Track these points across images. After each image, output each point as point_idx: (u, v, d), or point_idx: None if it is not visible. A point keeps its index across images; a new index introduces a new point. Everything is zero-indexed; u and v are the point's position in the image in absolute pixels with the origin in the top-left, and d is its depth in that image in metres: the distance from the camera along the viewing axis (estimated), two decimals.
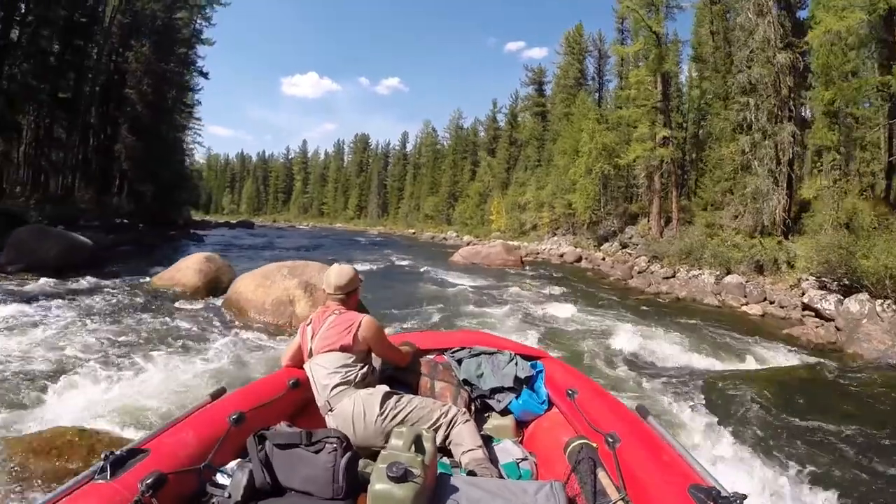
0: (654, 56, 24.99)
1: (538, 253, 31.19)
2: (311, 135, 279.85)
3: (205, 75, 42.28)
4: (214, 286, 10.27)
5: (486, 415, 2.94)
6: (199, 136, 64.28)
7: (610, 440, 1.96)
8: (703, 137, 28.17)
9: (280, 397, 2.49)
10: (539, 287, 15.97)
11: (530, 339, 8.34)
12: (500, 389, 2.92)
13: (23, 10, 22.73)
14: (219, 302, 9.41)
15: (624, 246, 26.77)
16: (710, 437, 4.87)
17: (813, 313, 11.45)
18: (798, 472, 4.22)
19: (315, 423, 2.41)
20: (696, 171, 28.36)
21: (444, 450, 2.38)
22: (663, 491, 1.62)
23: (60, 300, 9.03)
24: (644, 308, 12.86)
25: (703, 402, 5.79)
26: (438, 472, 1.94)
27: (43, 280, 10.59)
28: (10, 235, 12.48)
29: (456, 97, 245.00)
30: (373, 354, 2.77)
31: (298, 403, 2.65)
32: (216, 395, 2.34)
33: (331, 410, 2.46)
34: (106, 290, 10.38)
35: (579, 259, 26.99)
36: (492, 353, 3.14)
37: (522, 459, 2.44)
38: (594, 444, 2.08)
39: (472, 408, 2.91)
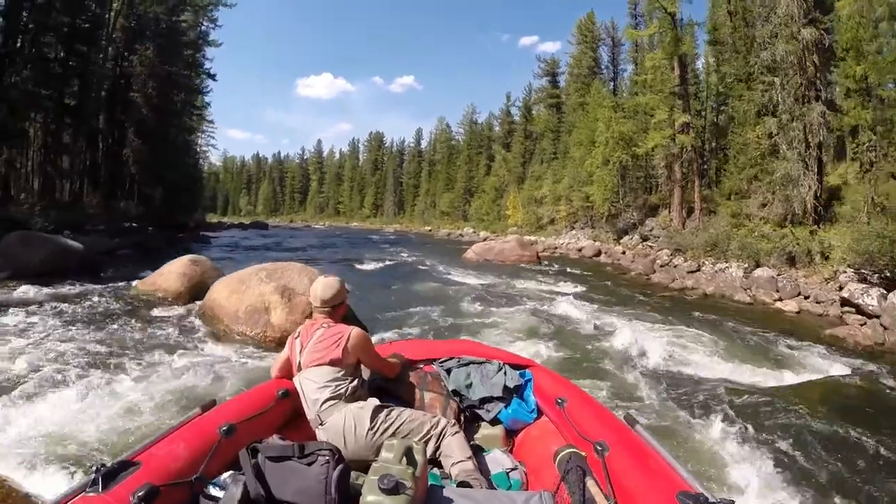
0: (671, 38, 23.86)
1: (556, 248, 30.47)
2: (327, 135, 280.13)
3: (212, 77, 42.16)
4: (198, 290, 9.49)
5: (476, 424, 2.92)
6: (213, 138, 64.45)
7: (599, 448, 1.99)
8: (724, 124, 26.82)
9: (270, 409, 2.48)
10: (554, 284, 15.10)
11: (540, 345, 7.66)
12: (490, 399, 2.93)
13: (24, 18, 22.42)
14: (198, 308, 8.76)
15: (644, 239, 25.66)
16: (747, 467, 4.07)
17: (853, 309, 10.46)
18: None
19: (305, 434, 2.46)
20: (716, 160, 27.11)
21: (434, 461, 2.39)
22: (652, 498, 1.64)
23: (34, 307, 8.54)
24: (669, 306, 11.91)
25: (738, 420, 4.93)
26: (429, 483, 1.97)
27: (24, 287, 10.06)
28: None
29: (471, 94, 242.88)
30: (362, 366, 2.77)
31: (288, 414, 2.64)
32: (206, 407, 2.31)
33: (321, 424, 2.45)
34: (85, 296, 9.77)
35: (598, 253, 26.06)
36: (480, 363, 3.15)
37: (512, 469, 2.45)
38: (583, 453, 2.11)
39: (462, 418, 2.89)
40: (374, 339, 3.18)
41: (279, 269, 7.91)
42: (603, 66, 44.35)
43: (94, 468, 1.64)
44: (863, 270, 11.87)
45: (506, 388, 2.94)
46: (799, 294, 12.71)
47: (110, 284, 11.09)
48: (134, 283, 10.82)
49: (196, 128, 46.22)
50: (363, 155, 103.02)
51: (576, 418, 2.36)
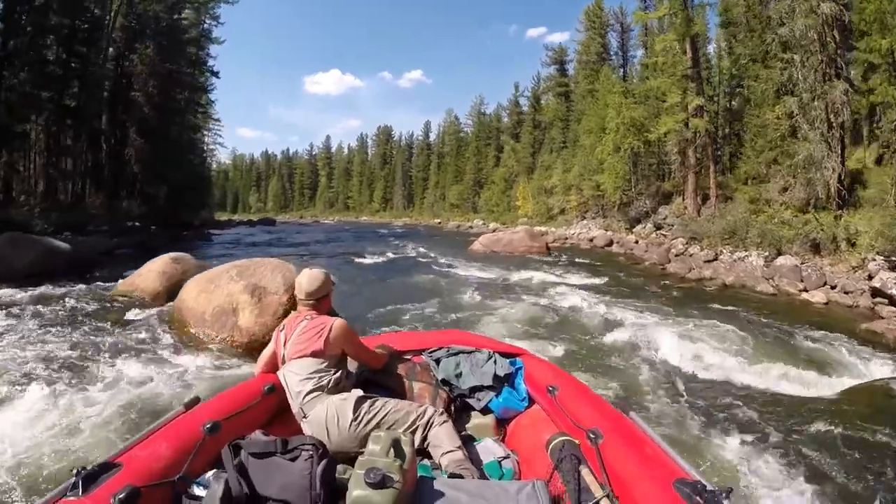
0: (682, 19, 22.90)
1: (566, 238, 29.83)
2: (336, 131, 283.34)
3: (215, 74, 41.95)
4: (177, 290, 8.83)
5: (466, 414, 2.89)
6: (220, 136, 64.27)
7: (592, 436, 1.94)
8: (739, 107, 25.87)
9: (255, 405, 2.44)
10: (563, 275, 14.42)
11: (544, 342, 7.20)
12: (480, 388, 2.89)
13: (22, 20, 22.27)
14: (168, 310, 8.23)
15: (658, 227, 24.80)
16: (775, 488, 3.59)
17: (886, 300, 9.79)
18: None
19: (291, 430, 2.40)
20: (729, 146, 26.31)
21: (423, 452, 2.35)
22: (648, 486, 1.60)
23: (4, 310, 8.15)
24: (686, 298, 11.21)
25: (764, 432, 4.38)
26: (418, 475, 1.94)
27: (4, 290, 9.79)
28: None
29: (479, 87, 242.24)
30: (349, 359, 2.75)
31: (274, 410, 2.60)
32: (190, 405, 2.25)
33: (305, 417, 2.43)
34: (61, 299, 9.29)
35: (610, 243, 25.31)
36: (470, 352, 3.11)
37: (504, 458, 2.42)
38: (576, 441, 2.09)
39: (452, 408, 2.86)
40: (362, 334, 3.08)
41: (251, 266, 7.21)
42: (612, 53, 43.22)
43: (74, 471, 1.60)
44: (894, 258, 11.09)
45: (496, 376, 2.90)
46: (825, 284, 11.94)
47: (94, 285, 10.68)
48: (120, 282, 10.33)
49: (201, 126, 46.03)
50: (371, 149, 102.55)
51: (568, 406, 2.32)
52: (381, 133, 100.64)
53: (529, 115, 56.28)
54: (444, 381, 2.95)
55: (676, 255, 18.00)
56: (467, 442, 2.54)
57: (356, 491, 1.61)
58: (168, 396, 5.00)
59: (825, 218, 14.33)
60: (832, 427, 4.39)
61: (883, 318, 8.93)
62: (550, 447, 2.18)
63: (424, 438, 2.39)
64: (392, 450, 1.79)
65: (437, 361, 3.09)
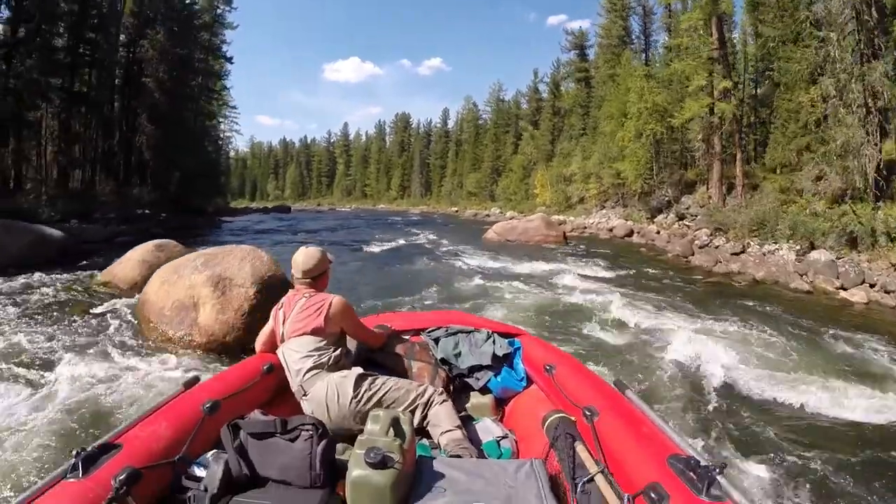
0: None
1: (585, 227, 29.03)
2: (355, 118, 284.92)
3: (229, 60, 41.62)
4: None
5: (465, 394, 2.90)
6: (236, 123, 64.13)
7: (588, 414, 1.97)
8: (768, 92, 24.57)
9: (254, 384, 2.43)
10: (580, 266, 13.66)
11: (557, 344, 6.36)
12: (479, 368, 2.90)
13: (28, 6, 22.09)
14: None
15: (681, 217, 23.72)
16: None
17: None
18: None
19: (291, 408, 2.44)
20: (754, 135, 25.18)
21: (422, 431, 2.37)
22: (642, 462, 1.62)
23: None
24: (714, 295, 10.39)
25: (804, 465, 3.82)
26: (417, 454, 1.94)
27: None
28: None
29: (499, 75, 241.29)
30: (348, 337, 2.73)
31: (273, 389, 2.58)
32: (189, 384, 2.25)
33: (305, 395, 2.42)
34: (39, 288, 9.04)
35: (630, 233, 24.39)
36: (469, 332, 3.09)
37: (503, 437, 2.43)
38: (572, 418, 2.11)
39: (451, 387, 2.87)
40: (360, 315, 2.93)
41: (218, 255, 6.52)
42: (634, 37, 41.76)
43: (73, 452, 1.58)
44: None
45: (495, 356, 2.91)
46: (863, 281, 10.97)
47: (78, 274, 10.43)
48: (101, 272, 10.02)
49: (216, 113, 45.78)
50: (389, 137, 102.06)
51: (565, 385, 2.34)
52: (398, 120, 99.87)
53: (549, 102, 54.96)
54: (443, 361, 2.94)
55: (701, 247, 17.03)
56: (466, 421, 2.53)
57: (356, 471, 1.62)
58: (110, 404, 4.47)
59: (863, 210, 13.30)
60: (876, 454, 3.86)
61: None
62: (546, 425, 2.17)
63: (424, 417, 2.38)
64: (392, 429, 1.79)
65: (436, 341, 3.06)
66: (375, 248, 18.68)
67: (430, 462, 1.87)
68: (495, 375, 2.87)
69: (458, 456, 2.14)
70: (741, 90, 26.46)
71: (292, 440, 1.79)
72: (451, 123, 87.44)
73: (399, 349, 2.95)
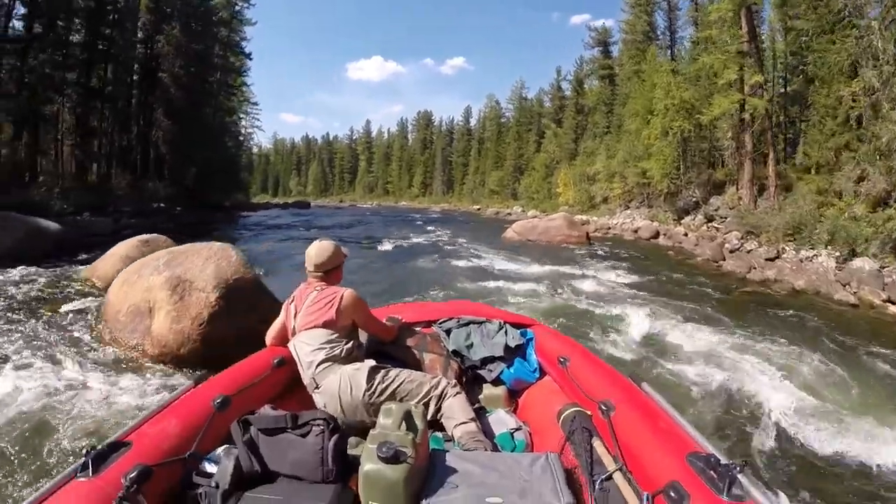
0: None
1: (608, 228, 27.99)
2: (379, 117, 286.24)
3: (248, 56, 41.59)
4: None
5: (478, 385, 2.87)
6: (258, 120, 64.14)
7: (604, 408, 1.94)
8: (801, 88, 23.24)
9: (265, 377, 2.41)
10: (604, 270, 12.83)
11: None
12: (491, 359, 2.87)
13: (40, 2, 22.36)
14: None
15: (709, 219, 22.52)
16: None
17: None
18: None
19: (302, 402, 2.43)
20: (784, 134, 24.02)
21: (435, 423, 2.35)
22: (661, 459, 1.59)
23: None
24: (750, 305, 9.47)
25: None
26: (431, 447, 1.93)
27: None
28: None
29: (522, 74, 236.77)
30: (359, 330, 2.71)
31: (284, 383, 2.57)
32: (199, 380, 2.24)
33: (317, 388, 2.41)
34: (20, 283, 8.60)
35: (656, 235, 23.27)
36: (480, 323, 3.07)
37: (516, 429, 2.42)
38: (588, 412, 2.09)
39: (464, 379, 2.84)
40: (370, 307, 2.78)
41: (182, 254, 5.77)
42: (659, 33, 40.36)
43: (84, 451, 1.58)
44: None
45: (507, 347, 2.88)
46: None
47: (67, 269, 10.12)
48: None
49: (236, 109, 45.69)
50: (412, 134, 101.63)
51: (579, 377, 2.31)
52: (421, 118, 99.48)
53: (572, 100, 53.92)
54: (455, 353, 2.92)
55: (731, 252, 15.96)
56: (479, 413, 2.50)
57: (368, 465, 1.60)
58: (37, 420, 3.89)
59: None
60: None
61: None
62: (562, 418, 2.16)
63: (438, 410, 2.36)
64: (404, 423, 1.76)
65: (448, 332, 3.03)
66: (388, 246, 18.14)
67: (444, 455, 1.86)
68: (508, 367, 2.84)
69: (473, 449, 2.13)
70: (771, 88, 25.13)
71: (304, 435, 1.78)
72: (473, 121, 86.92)
73: (411, 341, 2.92)
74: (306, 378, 2.46)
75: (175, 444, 1.78)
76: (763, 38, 26.80)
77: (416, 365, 2.79)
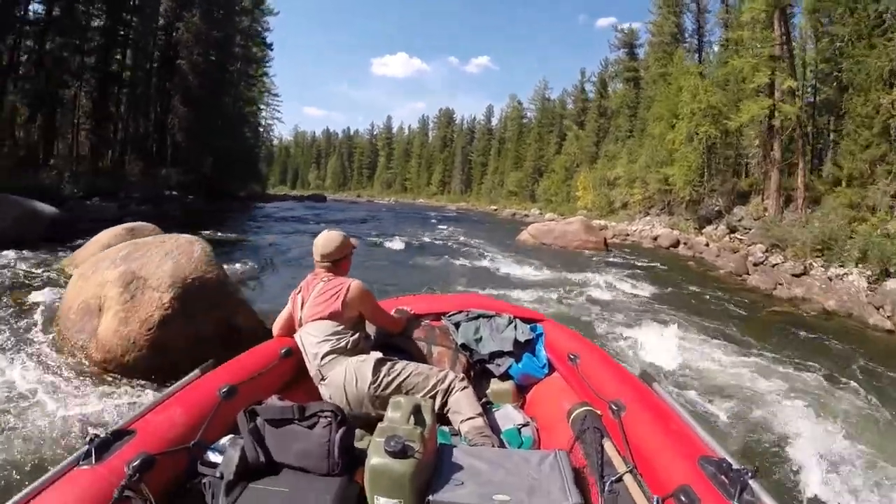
0: None
1: (627, 234, 27.05)
2: (402, 113, 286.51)
3: (269, 46, 41.39)
4: None
5: (486, 380, 2.85)
6: (278, 111, 64.02)
7: (615, 408, 1.91)
8: (834, 97, 22.20)
9: (272, 368, 2.40)
10: (621, 280, 12.06)
11: None
12: (500, 353, 2.84)
13: None
14: None
15: (732, 230, 21.60)
16: None
17: None
18: None
19: (308, 393, 2.44)
20: (812, 144, 22.99)
21: (441, 417, 2.31)
22: (671, 462, 1.57)
23: None
24: (780, 326, 8.75)
25: None
26: (438, 442, 1.91)
27: None
28: None
29: (547, 76, 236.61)
30: (367, 322, 2.68)
31: (291, 373, 2.54)
32: (205, 369, 2.21)
33: (323, 380, 2.42)
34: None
35: (676, 244, 22.33)
36: (490, 317, 3.04)
37: (524, 426, 2.39)
38: (598, 412, 2.07)
39: (472, 373, 2.81)
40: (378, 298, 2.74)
41: (148, 245, 5.17)
42: (686, 36, 39.29)
43: (87, 439, 1.57)
44: None
45: (516, 342, 2.84)
46: None
47: (53, 255, 9.61)
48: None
49: (256, 99, 45.49)
50: (432, 132, 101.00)
51: (589, 375, 2.28)
52: (442, 115, 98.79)
53: (595, 102, 53.00)
54: (464, 346, 2.88)
55: (755, 265, 15.13)
56: (486, 408, 2.48)
57: (375, 458, 1.59)
58: None
59: None
60: None
61: None
62: (572, 417, 2.14)
63: (444, 404, 2.34)
64: (412, 417, 1.75)
65: (457, 326, 2.99)
66: (397, 244, 17.52)
67: (451, 450, 1.84)
68: (516, 362, 2.80)
69: (480, 444, 2.12)
70: (800, 97, 24.13)
71: (310, 427, 1.74)
72: (494, 121, 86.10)
73: (419, 333, 2.89)
74: (312, 370, 2.44)
75: (180, 434, 1.76)
76: (794, 44, 25.88)
77: (424, 358, 2.76)
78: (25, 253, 9.47)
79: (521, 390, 2.79)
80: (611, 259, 16.80)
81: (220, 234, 16.80)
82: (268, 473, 1.72)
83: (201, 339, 4.46)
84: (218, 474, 1.67)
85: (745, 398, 5.13)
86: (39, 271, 8.23)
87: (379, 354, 2.44)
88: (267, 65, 44.83)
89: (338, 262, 2.63)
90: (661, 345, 6.63)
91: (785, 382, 5.69)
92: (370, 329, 2.75)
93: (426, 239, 20.13)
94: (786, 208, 20.13)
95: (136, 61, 28.36)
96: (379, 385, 2.30)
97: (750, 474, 1.37)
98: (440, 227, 28.52)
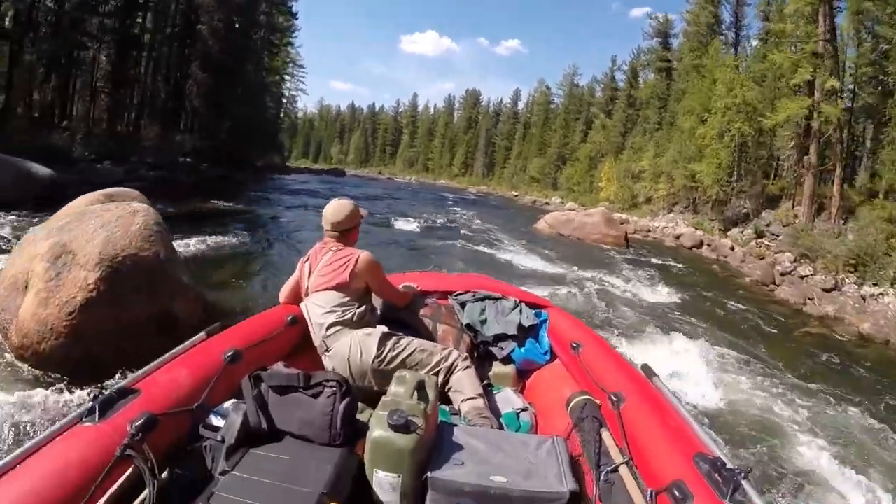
0: None
1: (648, 231, 26.06)
2: (430, 93, 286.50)
3: (293, 15, 40.78)
4: None
5: (488, 362, 2.84)
6: (302, 83, 63.47)
7: (614, 399, 1.93)
8: (877, 101, 20.93)
9: (277, 335, 2.41)
10: (641, 281, 11.34)
11: None
12: (504, 337, 2.83)
13: None
14: None
15: (759, 235, 20.54)
16: None
17: None
18: None
19: (313, 362, 2.42)
20: (847, 151, 21.69)
21: (442, 395, 2.27)
22: (667, 457, 1.58)
23: None
24: (812, 350, 7.97)
25: None
26: (439, 420, 1.94)
27: None
28: None
29: (576, 63, 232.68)
30: (373, 295, 2.67)
31: (296, 341, 2.56)
32: (212, 332, 2.21)
33: (327, 351, 2.40)
34: None
35: (700, 244, 21.25)
36: (496, 299, 3.04)
37: (522, 410, 2.40)
38: (597, 402, 2.07)
39: (475, 354, 2.80)
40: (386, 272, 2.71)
41: (88, 213, 4.46)
42: (724, 28, 37.58)
43: (91, 396, 1.64)
44: None
45: (521, 326, 2.84)
46: None
47: (34, 219, 8.96)
48: None
49: (280, 69, 44.95)
50: (458, 112, 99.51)
51: (591, 365, 2.29)
52: (468, 96, 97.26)
53: (624, 91, 51.61)
54: (469, 327, 2.88)
55: (783, 275, 14.22)
56: (486, 390, 2.49)
57: (378, 431, 1.60)
58: None
59: None
60: None
61: None
62: (571, 405, 2.15)
63: (446, 382, 2.34)
64: (416, 392, 1.77)
65: (463, 305, 3.00)
66: (408, 226, 16.93)
67: (451, 429, 1.86)
68: (519, 346, 2.81)
69: (479, 425, 2.12)
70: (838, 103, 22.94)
71: (315, 396, 1.72)
72: (521, 105, 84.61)
73: (425, 311, 2.87)
74: (317, 340, 2.43)
75: (184, 395, 1.77)
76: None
77: (429, 335, 2.74)
78: (10, 216, 9.20)
79: (522, 375, 2.78)
80: (630, 256, 15.99)
81: (225, 203, 16.38)
82: (269, 440, 1.70)
83: (129, 327, 3.85)
84: (219, 438, 1.67)
85: (766, 429, 4.61)
86: (14, 238, 7.79)
87: (384, 328, 2.45)
88: (293, 35, 44.40)
89: (347, 232, 2.59)
90: (678, 359, 5.98)
91: (813, 417, 5.08)
92: (376, 302, 2.73)
93: (441, 220, 19.70)
94: (817, 217, 19.13)
95: (157, 25, 28.03)
96: (383, 359, 2.29)
97: (743, 474, 1.37)
98: (457, 209, 28.01)
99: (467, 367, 2.38)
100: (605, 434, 1.85)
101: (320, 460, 1.61)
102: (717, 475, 1.41)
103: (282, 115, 52.64)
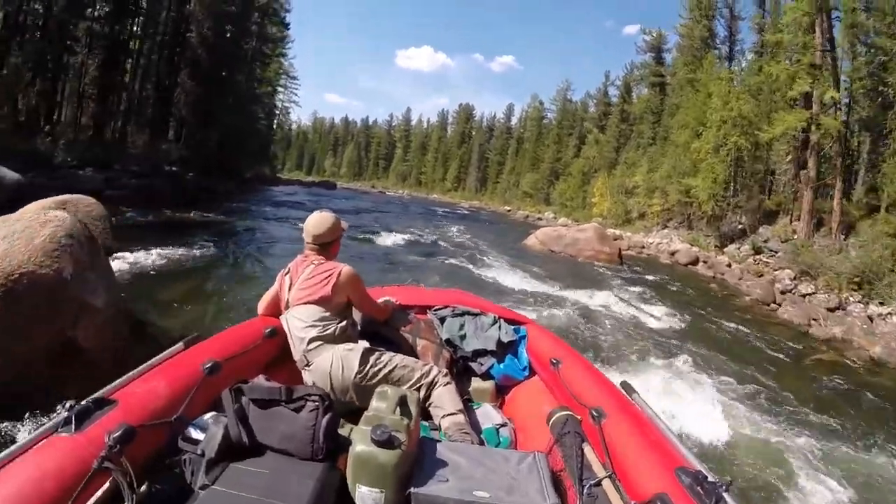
0: None
1: (642, 247, 25.69)
2: (423, 107, 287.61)
3: (285, 26, 40.76)
4: None
5: (467, 377, 2.84)
6: (295, 95, 63.15)
7: (595, 415, 1.92)
8: (875, 113, 20.58)
9: (256, 346, 2.38)
10: (636, 302, 10.74)
11: None
12: (483, 352, 2.85)
13: None
14: None
15: (757, 251, 20.13)
16: None
17: None
18: None
19: (291, 375, 2.40)
20: (843, 166, 21.26)
21: (423, 411, 2.29)
22: (650, 471, 1.58)
23: None
24: (822, 377, 7.40)
25: None
26: (420, 435, 1.93)
27: None
28: None
29: (571, 79, 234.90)
30: (353, 309, 2.66)
31: (274, 353, 2.53)
32: (189, 343, 2.19)
33: (308, 365, 2.37)
34: None
35: (695, 261, 20.84)
36: (476, 315, 3.05)
37: (502, 425, 2.41)
38: (578, 417, 2.06)
39: (454, 369, 2.80)
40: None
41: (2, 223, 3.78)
42: (718, 42, 37.41)
43: (66, 406, 1.54)
44: None
45: (500, 342, 2.86)
46: None
47: None
48: None
49: (272, 80, 44.61)
50: (451, 127, 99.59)
51: (571, 381, 2.29)
52: (461, 111, 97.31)
53: (618, 107, 51.55)
54: (448, 342, 2.88)
55: (783, 293, 13.69)
56: (466, 405, 2.49)
57: (360, 447, 1.59)
58: None
59: None
60: None
61: None
62: (552, 421, 2.13)
63: (427, 398, 2.34)
64: (399, 408, 1.77)
65: (442, 320, 2.99)
66: (393, 239, 16.34)
67: (434, 444, 1.84)
68: (498, 362, 2.83)
69: (460, 441, 2.11)
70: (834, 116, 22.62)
71: (297, 410, 1.69)
72: (514, 120, 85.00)
73: (404, 325, 2.85)
74: (297, 354, 2.40)
75: (162, 406, 1.73)
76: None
77: (410, 350, 2.73)
78: None
79: (501, 391, 2.79)
80: (625, 275, 15.40)
81: (203, 214, 15.81)
82: (250, 454, 1.65)
83: (16, 359, 3.26)
84: (199, 451, 1.62)
85: (775, 466, 4.20)
86: None
87: (366, 344, 2.41)
88: (286, 46, 44.18)
89: (328, 245, 2.55)
90: (675, 385, 5.50)
91: (827, 454, 4.59)
92: (356, 316, 2.68)
93: (428, 236, 19.10)
94: (816, 232, 18.66)
95: (146, 31, 27.81)
96: (365, 375, 2.27)
97: (725, 487, 1.38)
98: (447, 224, 27.57)
99: (447, 382, 2.39)
100: (587, 449, 1.84)
101: (302, 475, 1.58)
102: (699, 488, 1.41)
103: (274, 126, 52.30)
